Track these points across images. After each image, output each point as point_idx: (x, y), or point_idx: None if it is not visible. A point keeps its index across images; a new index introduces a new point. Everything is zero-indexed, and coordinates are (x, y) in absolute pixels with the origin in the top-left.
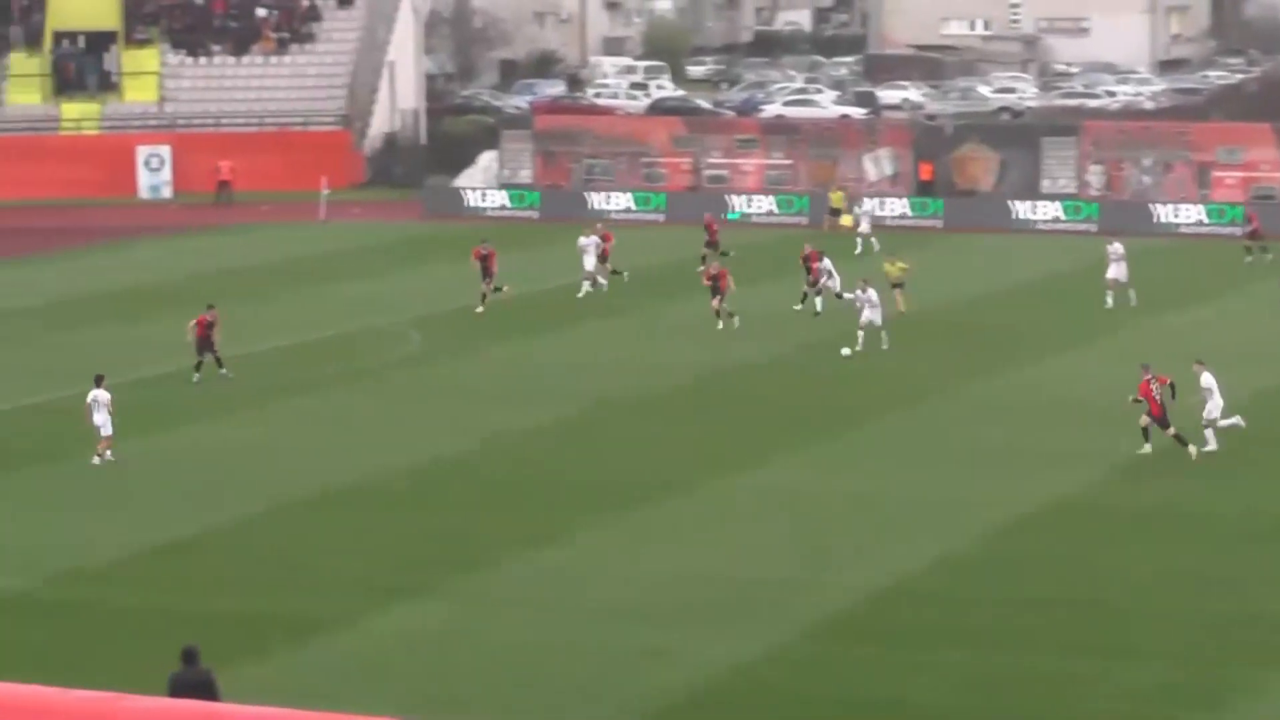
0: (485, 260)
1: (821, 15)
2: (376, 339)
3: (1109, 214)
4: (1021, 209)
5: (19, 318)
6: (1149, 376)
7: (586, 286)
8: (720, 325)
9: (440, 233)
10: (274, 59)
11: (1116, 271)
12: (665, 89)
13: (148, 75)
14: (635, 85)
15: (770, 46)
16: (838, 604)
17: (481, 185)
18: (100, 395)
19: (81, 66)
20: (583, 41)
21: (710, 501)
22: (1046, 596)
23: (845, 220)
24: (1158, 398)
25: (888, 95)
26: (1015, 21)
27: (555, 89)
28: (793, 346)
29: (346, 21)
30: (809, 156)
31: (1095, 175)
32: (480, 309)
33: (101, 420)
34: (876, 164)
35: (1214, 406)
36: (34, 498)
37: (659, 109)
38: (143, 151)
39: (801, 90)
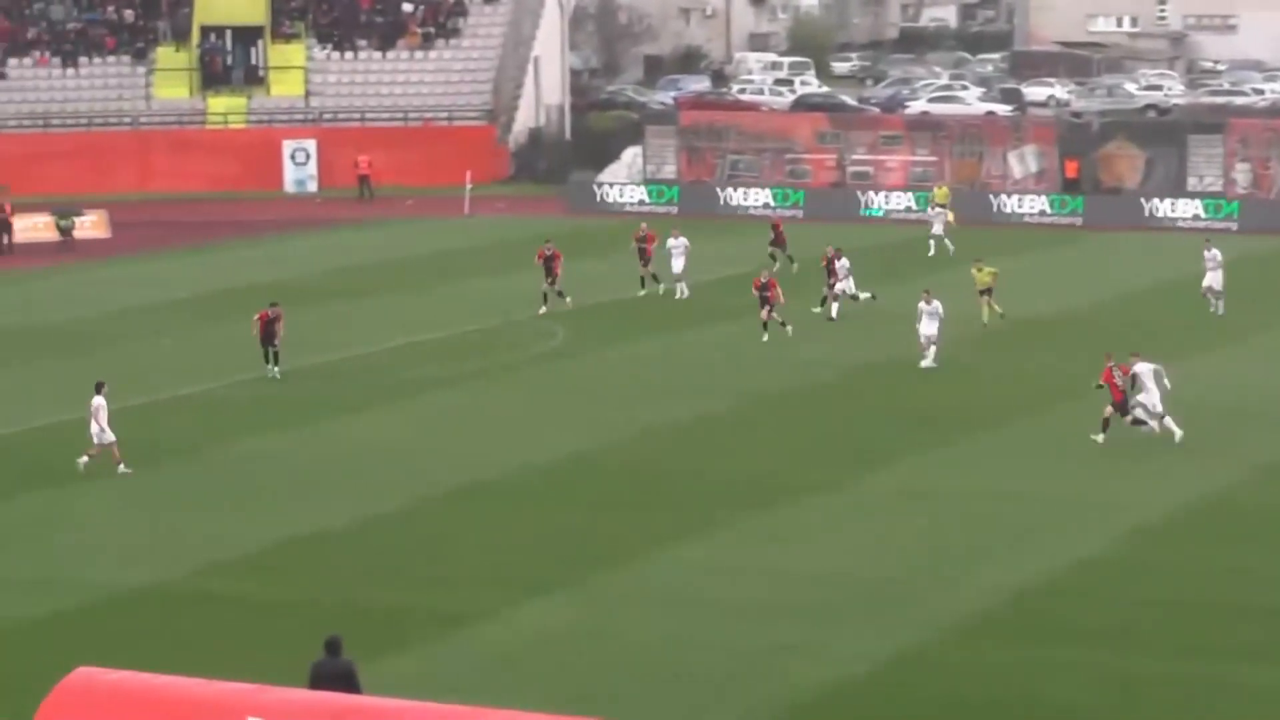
0: (549, 262)
1: (967, 11)
2: (519, 334)
3: (1250, 213)
4: (1162, 207)
5: (167, 310)
6: (1111, 364)
7: (681, 289)
8: (765, 338)
9: (583, 228)
10: (419, 54)
11: (1212, 279)
12: (810, 85)
13: (294, 70)
14: (780, 81)
15: (915, 43)
16: (975, 603)
17: (625, 181)
18: (97, 401)
19: (228, 61)
20: (728, 37)
21: (848, 499)
22: (1186, 598)
23: (950, 217)
24: (1120, 384)
25: (1033, 92)
26: (1162, 18)
27: (700, 85)
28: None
29: (492, 17)
30: (953, 153)
31: (1241, 173)
32: (544, 309)
33: (96, 430)
34: (1021, 161)
35: (1152, 399)
36: (180, 491)
37: (803, 105)
38: (288, 146)
39: (946, 87)
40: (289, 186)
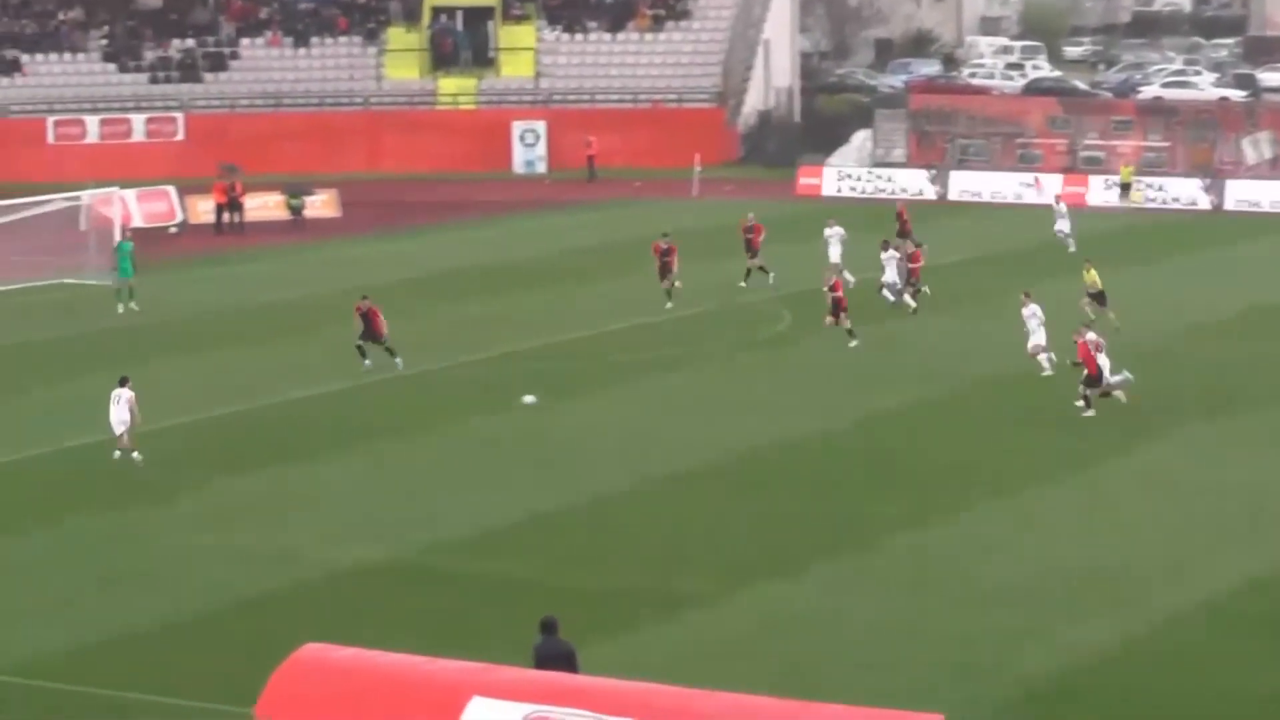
0: (665, 256)
1: None
2: (747, 316)
3: None
4: None
5: (399, 290)
6: (1084, 339)
7: (848, 277)
8: (853, 343)
9: (811, 211)
10: (649, 36)
11: None
12: (1041, 69)
13: (524, 51)
14: (1011, 65)
15: (1148, 27)
16: (1215, 592)
17: (855, 164)
18: (122, 393)
19: (458, 42)
20: (959, 21)
21: (1086, 486)
22: None
23: (1135, 196)
24: (1096, 358)
25: (1268, 78)
26: None
27: (930, 69)
28: (1182, 326)
29: None
30: (1186, 139)
31: None
32: (670, 304)
33: (120, 417)
34: (1255, 147)
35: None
36: (413, 469)
37: (1035, 90)
38: (518, 127)
39: (1179, 72)
40: (518, 167)
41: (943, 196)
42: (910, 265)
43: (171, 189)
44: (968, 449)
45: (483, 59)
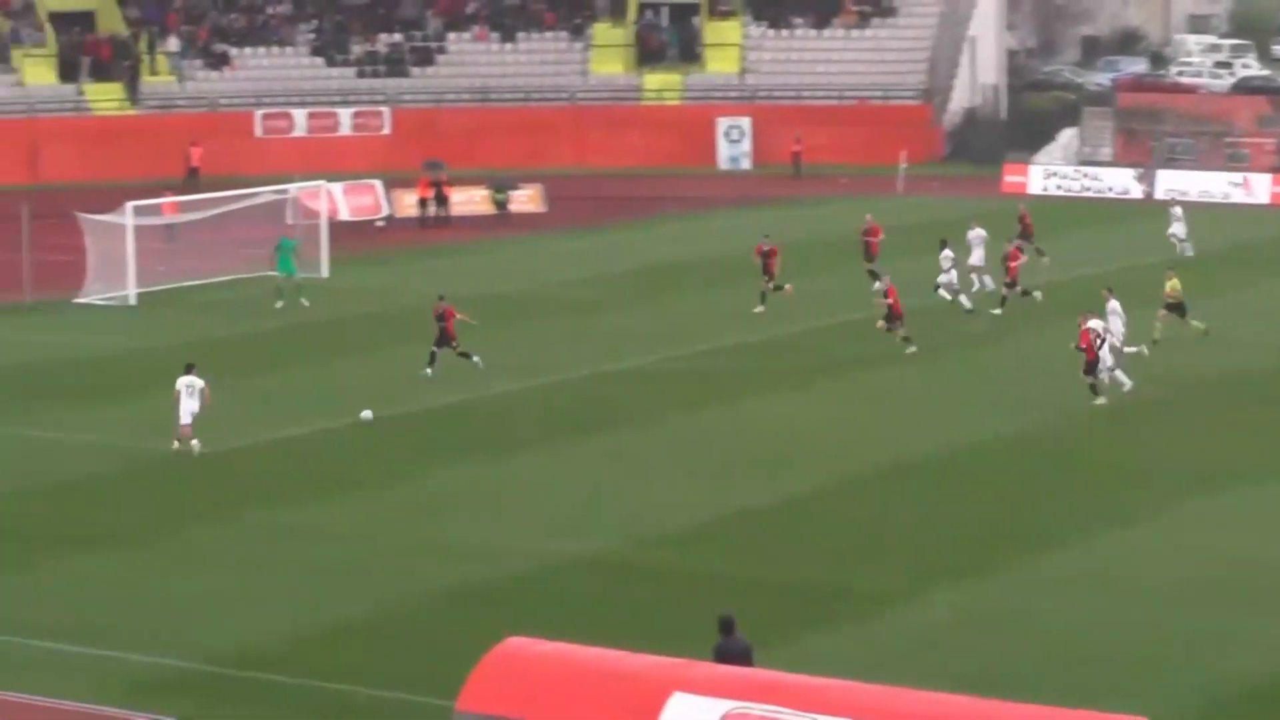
0: (766, 258)
1: None
2: (944, 315)
3: None
4: None
5: (601, 284)
6: (1086, 326)
7: (975, 282)
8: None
9: (1014, 209)
10: (855, 32)
11: None
12: (1251, 68)
13: (729, 47)
14: (1219, 64)
15: None
16: None
17: (1061, 163)
18: (193, 381)
19: (664, 37)
20: (1166, 19)
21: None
22: None
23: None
24: (1096, 346)
25: None
26: None
27: (1137, 66)
28: None
29: None
30: None
31: None
32: (761, 308)
33: (191, 408)
34: None
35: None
36: (614, 463)
37: (1244, 88)
38: (723, 123)
39: None
40: (723, 163)
41: (1149, 196)
42: (1008, 264)
43: (378, 183)
44: (1159, 449)
45: (689, 55)
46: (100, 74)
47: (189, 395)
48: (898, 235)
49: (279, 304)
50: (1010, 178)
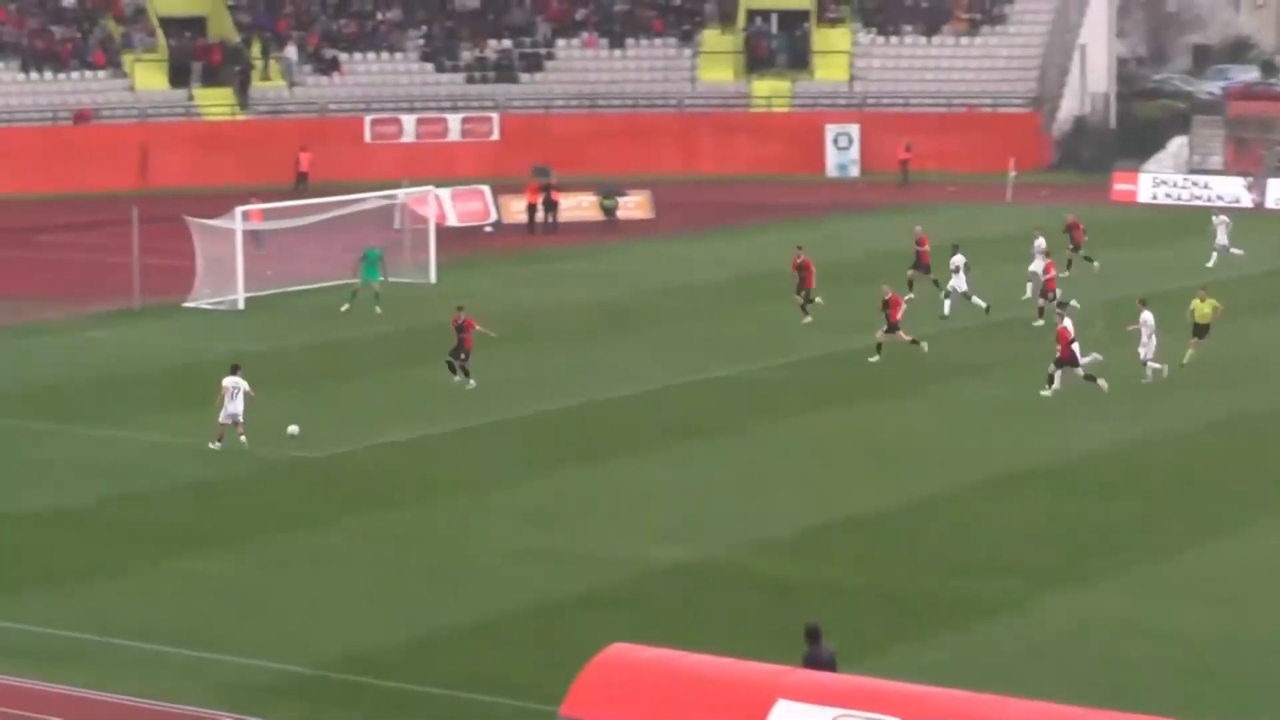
0: (802, 270)
1: None
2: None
3: None
4: None
5: (709, 291)
6: (1063, 325)
7: (1028, 290)
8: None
9: (1125, 218)
10: (964, 40)
11: None
12: None
13: (838, 54)
14: None
15: None
16: None
17: (1171, 171)
18: (238, 382)
19: (773, 44)
20: (1278, 27)
21: None
22: None
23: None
24: (1070, 342)
25: None
26: None
27: (1248, 75)
28: None
29: (1039, 3)
30: None
31: None
32: (807, 319)
33: (233, 410)
34: None
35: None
36: (723, 470)
37: None
38: (831, 130)
39: None
40: (831, 170)
41: (1259, 205)
42: (1045, 276)
43: (486, 188)
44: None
45: (797, 62)
46: (210, 79)
47: (232, 397)
48: (1005, 244)
49: (346, 307)
50: (1119, 186)
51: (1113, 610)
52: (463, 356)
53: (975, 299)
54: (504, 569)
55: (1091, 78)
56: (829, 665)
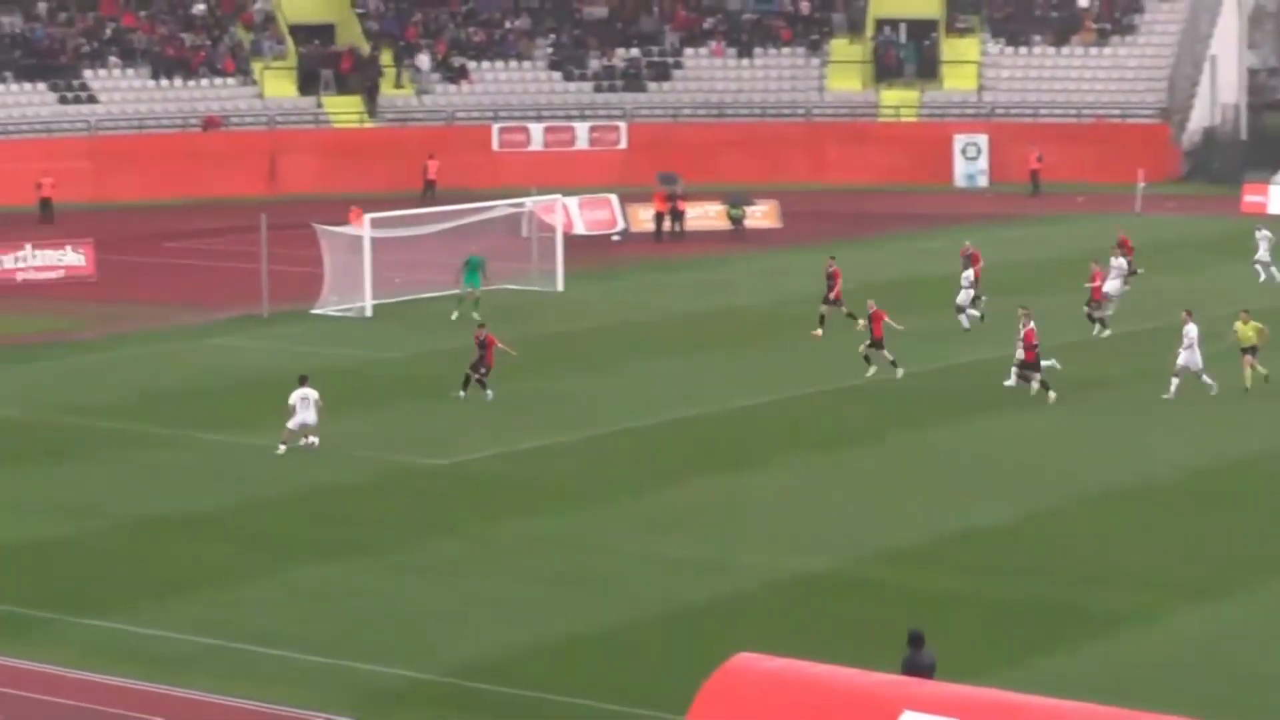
0: (831, 279)
1: None
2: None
3: None
4: None
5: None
6: (1030, 326)
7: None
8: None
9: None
10: (1094, 50)
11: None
12: None
13: (967, 64)
14: None
15: None
16: None
17: None
18: (307, 393)
19: (901, 54)
20: None
21: None
22: None
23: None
24: (1035, 345)
25: None
26: None
27: None
28: None
29: (1169, 13)
30: None
31: None
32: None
33: (303, 420)
34: None
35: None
36: (855, 479)
37: None
38: (959, 140)
39: None
40: (959, 181)
41: None
42: (1090, 285)
43: (613, 197)
44: None
45: (926, 71)
46: (339, 87)
47: (304, 408)
48: (1137, 257)
49: (455, 315)
50: (1250, 198)
51: (1246, 625)
52: (483, 370)
53: (961, 317)
54: (631, 577)
55: (1222, 89)
56: (929, 671)
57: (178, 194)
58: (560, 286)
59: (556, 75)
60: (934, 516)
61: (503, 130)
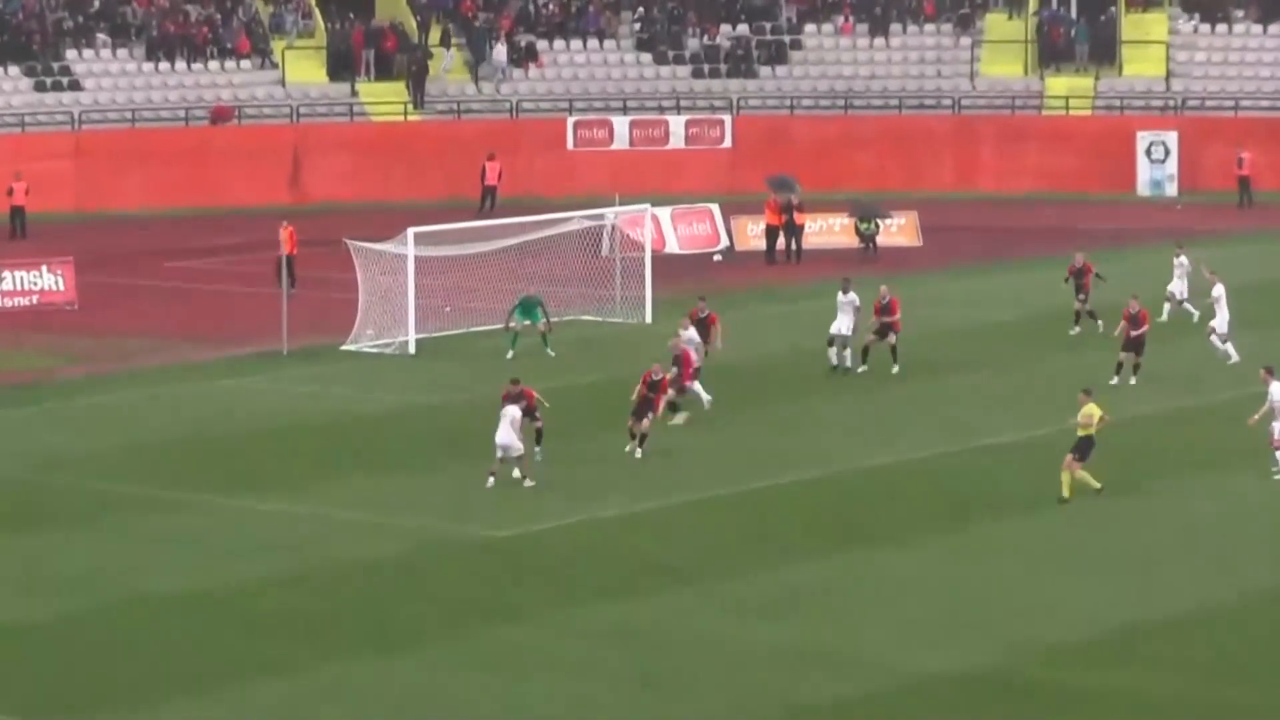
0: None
1: None
2: None
3: None
4: None
5: (993, 336)
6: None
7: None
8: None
9: None
10: None
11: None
12: None
13: (1153, 45)
14: None
15: None
16: None
17: None
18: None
19: (1072, 33)
20: None
21: None
22: None
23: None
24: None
25: None
26: None
27: None
28: None
29: None
30: None
31: None
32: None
33: (506, 440)
34: None
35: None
36: (1008, 552)
37: None
38: (1143, 138)
39: None
40: (1142, 188)
41: None
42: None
43: (714, 208)
44: None
45: (1102, 54)
46: (379, 71)
47: (504, 427)
48: None
49: (510, 354)
50: None
51: None
52: (536, 420)
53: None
54: (733, 673)
55: None
56: None
57: (179, 202)
58: (649, 318)
59: (646, 57)
60: (1109, 601)
61: (579, 124)
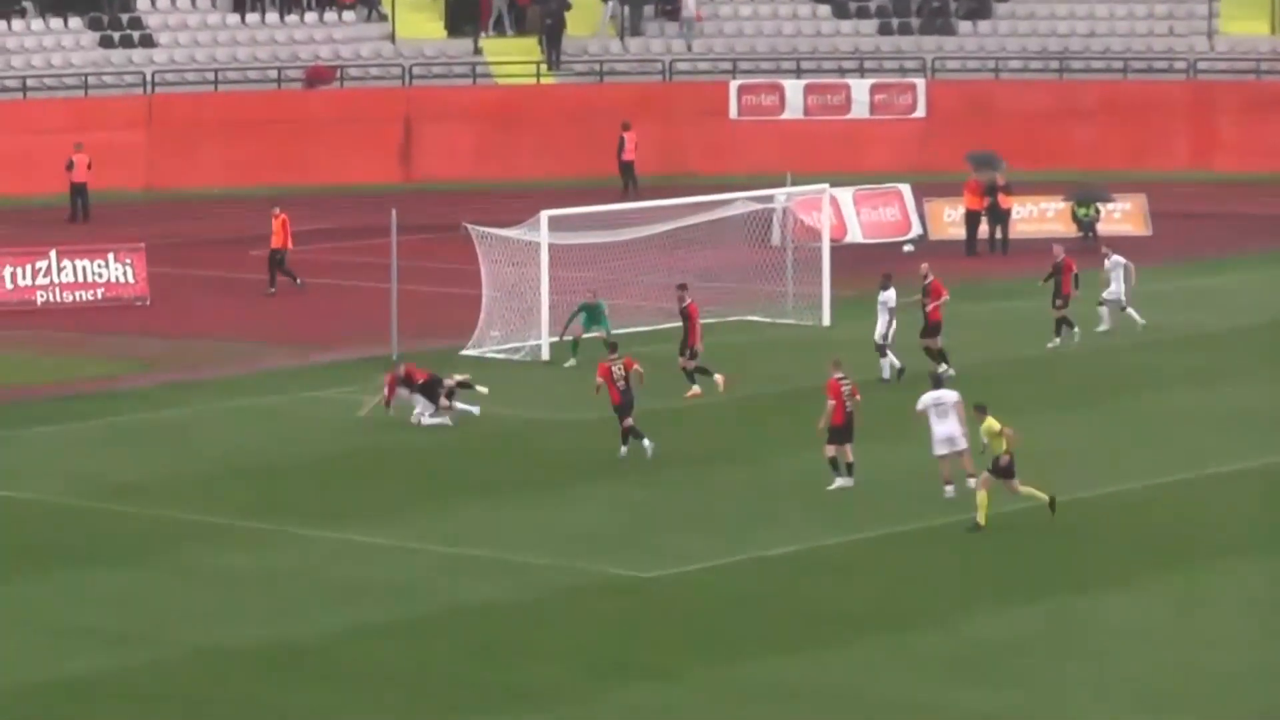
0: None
1: None
2: None
3: None
4: None
5: (1226, 344)
6: (839, 376)
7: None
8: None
9: None
10: None
11: None
12: None
13: None
14: None
15: None
16: None
17: None
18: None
19: None
20: None
21: None
22: None
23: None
24: (845, 402)
25: None
26: None
27: None
28: None
29: None
30: None
31: None
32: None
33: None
34: None
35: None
36: (1236, 603)
37: None
38: None
39: None
40: None
41: None
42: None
43: (905, 188)
44: None
45: None
46: (508, 25)
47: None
48: None
49: (573, 361)
50: None
51: None
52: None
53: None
54: None
55: None
56: None
57: (267, 179)
58: (827, 319)
59: (824, 10)
60: None
61: (744, 89)
